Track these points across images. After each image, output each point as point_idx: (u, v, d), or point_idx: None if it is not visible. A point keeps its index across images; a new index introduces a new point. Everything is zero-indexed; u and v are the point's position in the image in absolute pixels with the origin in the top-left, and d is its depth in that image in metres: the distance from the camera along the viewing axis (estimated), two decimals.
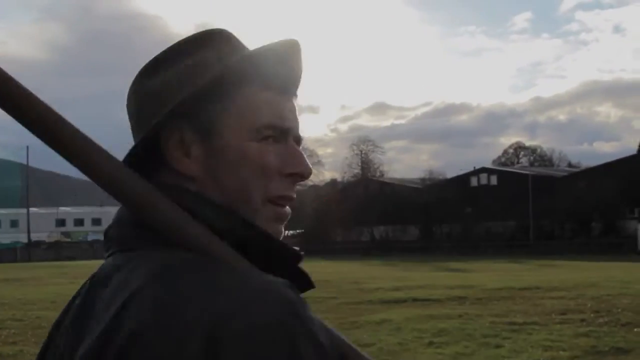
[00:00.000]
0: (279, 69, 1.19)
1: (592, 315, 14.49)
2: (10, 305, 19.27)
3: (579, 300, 17.13)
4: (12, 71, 1.04)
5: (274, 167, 1.16)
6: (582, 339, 11.79)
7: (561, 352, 10.66)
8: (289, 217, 1.20)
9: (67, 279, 30.72)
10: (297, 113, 1.23)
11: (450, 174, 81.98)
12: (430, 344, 11.72)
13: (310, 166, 1.21)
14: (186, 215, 1.09)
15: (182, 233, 1.08)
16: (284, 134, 1.19)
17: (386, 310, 16.28)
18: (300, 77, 1.26)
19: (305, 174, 1.20)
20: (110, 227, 1.19)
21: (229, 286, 0.97)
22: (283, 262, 1.15)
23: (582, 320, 13.91)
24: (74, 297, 1.19)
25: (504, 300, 17.76)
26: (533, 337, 12.06)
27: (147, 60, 1.24)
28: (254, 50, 1.20)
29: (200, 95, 1.14)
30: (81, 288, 1.18)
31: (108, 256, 1.17)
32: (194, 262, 1.03)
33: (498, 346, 11.35)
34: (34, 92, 1.05)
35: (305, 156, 1.20)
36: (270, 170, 1.16)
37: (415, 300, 18.28)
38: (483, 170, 78.37)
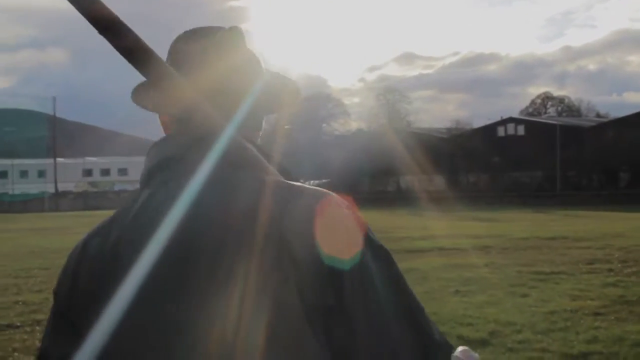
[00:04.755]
0: None
1: (619, 265, 14.39)
2: (37, 254, 19.44)
3: (606, 250, 17.02)
4: None
5: None
6: (610, 288, 11.70)
7: (589, 302, 10.55)
8: None
9: None
10: None
11: (477, 124, 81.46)
12: (457, 292, 11.64)
13: None
14: None
15: None
16: None
17: (412, 259, 16.20)
18: None
19: None
20: None
21: None
22: None
23: (610, 270, 13.81)
24: None
25: (530, 250, 17.69)
26: (560, 287, 11.96)
27: None
28: None
29: None
30: None
31: None
32: None
33: (524, 295, 11.25)
34: None
35: None
36: None
37: (441, 249, 18.22)
38: (510, 120, 77.70)
